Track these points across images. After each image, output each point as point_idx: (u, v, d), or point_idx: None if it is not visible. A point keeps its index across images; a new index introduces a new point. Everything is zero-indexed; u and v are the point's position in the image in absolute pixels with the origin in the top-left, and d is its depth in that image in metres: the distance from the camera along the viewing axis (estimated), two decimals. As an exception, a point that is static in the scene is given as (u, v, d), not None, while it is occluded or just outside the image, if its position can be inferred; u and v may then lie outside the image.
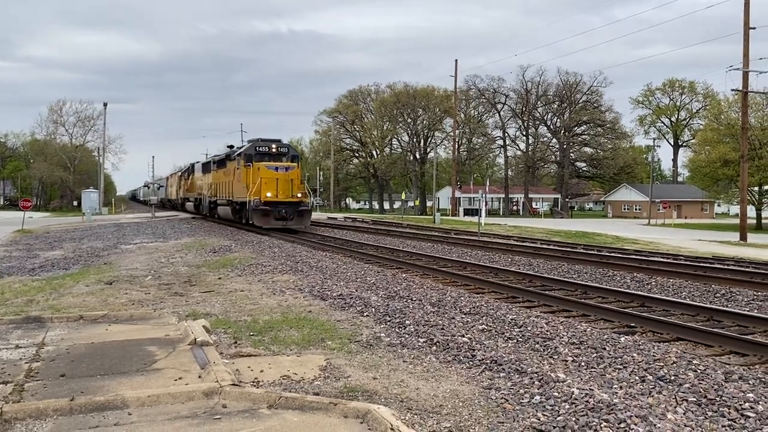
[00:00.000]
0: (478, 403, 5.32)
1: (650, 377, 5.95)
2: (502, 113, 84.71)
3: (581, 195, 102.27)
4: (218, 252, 17.97)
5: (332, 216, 51.51)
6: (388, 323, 8.37)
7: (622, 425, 4.69)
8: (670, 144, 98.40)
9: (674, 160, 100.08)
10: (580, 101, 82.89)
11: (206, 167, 39.08)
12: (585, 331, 7.96)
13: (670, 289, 12.70)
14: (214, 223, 33.53)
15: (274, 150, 28.35)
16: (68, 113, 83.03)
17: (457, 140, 70.09)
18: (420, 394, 5.54)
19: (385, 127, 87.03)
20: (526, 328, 8.03)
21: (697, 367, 6.23)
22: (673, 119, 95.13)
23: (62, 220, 45.01)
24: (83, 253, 19.10)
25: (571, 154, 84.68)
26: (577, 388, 5.48)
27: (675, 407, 5.15)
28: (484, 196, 33.83)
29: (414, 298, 10.30)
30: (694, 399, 5.34)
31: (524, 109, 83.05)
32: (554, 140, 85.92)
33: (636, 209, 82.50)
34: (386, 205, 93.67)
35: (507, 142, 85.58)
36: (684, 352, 7.02)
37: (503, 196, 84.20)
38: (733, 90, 35.43)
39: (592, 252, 20.72)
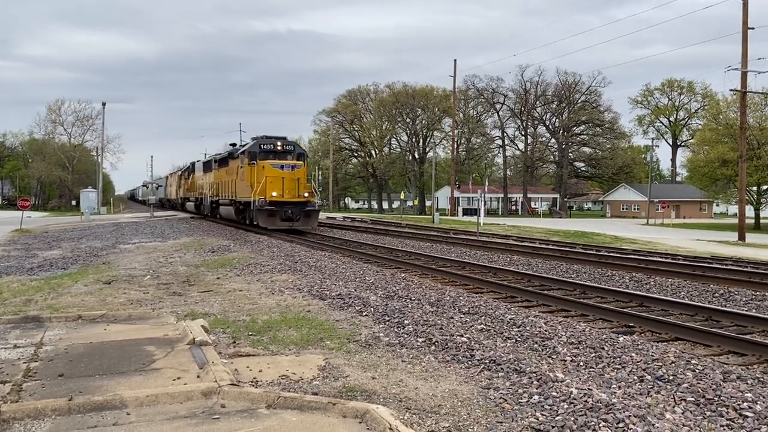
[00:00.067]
0: (476, 402, 5.32)
1: (649, 377, 5.95)
2: (500, 113, 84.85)
3: (580, 195, 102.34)
4: (217, 252, 17.96)
5: (331, 216, 51.50)
6: (387, 323, 8.37)
7: (621, 425, 4.70)
8: (668, 144, 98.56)
9: (673, 160, 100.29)
10: (579, 101, 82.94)
11: (207, 166, 38.27)
12: (583, 330, 7.97)
13: (669, 289, 12.71)
14: (213, 223, 33.43)
15: (279, 148, 27.27)
16: (67, 113, 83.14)
17: (455, 140, 70.05)
18: (419, 393, 5.54)
19: (384, 127, 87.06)
20: (524, 328, 8.03)
21: (696, 367, 6.23)
22: (671, 119, 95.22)
23: (61, 219, 44.99)
24: (82, 252, 19.08)
25: (570, 154, 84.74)
26: (576, 388, 5.49)
27: (673, 407, 5.16)
28: (482, 195, 33.87)
29: (413, 298, 10.30)
30: (693, 399, 5.34)
31: (523, 108, 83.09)
32: (553, 140, 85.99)
33: (634, 209, 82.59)
34: (385, 205, 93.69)
35: (506, 142, 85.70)
36: (682, 352, 7.02)
37: (502, 195, 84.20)
38: (731, 90, 35.50)
39: (591, 252, 20.73)
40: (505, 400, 5.34)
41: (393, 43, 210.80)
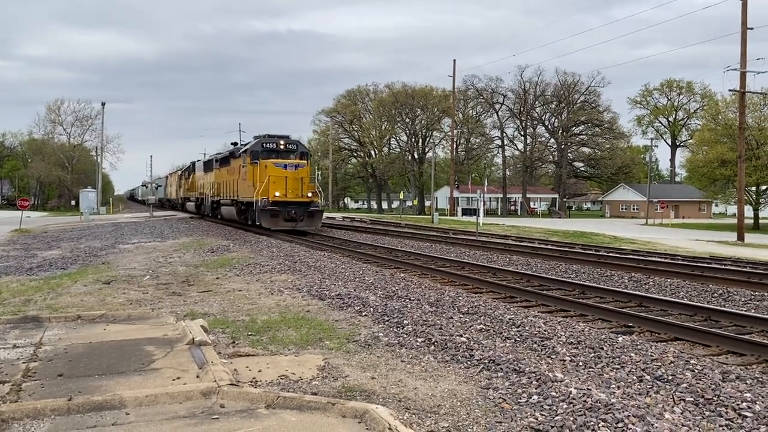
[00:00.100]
0: (476, 402, 5.32)
1: (648, 377, 5.96)
2: (500, 113, 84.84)
3: (579, 195, 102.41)
4: (216, 252, 17.95)
5: (331, 216, 51.48)
6: (387, 323, 8.37)
7: (620, 425, 4.70)
8: (667, 144, 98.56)
9: (672, 160, 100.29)
10: (578, 101, 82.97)
11: (208, 165, 37.72)
12: (583, 330, 7.97)
13: (668, 289, 12.72)
14: (213, 223, 33.37)
15: (282, 146, 26.79)
16: (66, 112, 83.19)
17: (455, 140, 70.09)
18: (418, 393, 5.54)
19: (383, 127, 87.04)
20: (524, 328, 8.03)
21: (695, 367, 6.24)
22: (670, 119, 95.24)
23: (60, 219, 44.96)
24: (81, 252, 19.07)
25: (569, 154, 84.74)
26: (575, 388, 5.49)
27: (672, 407, 5.16)
28: (482, 195, 33.89)
29: (412, 298, 10.30)
30: (692, 399, 5.35)
31: (522, 109, 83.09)
32: (552, 140, 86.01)
33: (634, 209, 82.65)
34: (384, 205, 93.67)
35: (505, 142, 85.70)
36: (681, 352, 7.03)
37: (501, 195, 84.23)
38: (730, 90, 35.55)
39: (590, 252, 20.73)
40: (505, 400, 5.34)
41: (393, 43, 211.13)
